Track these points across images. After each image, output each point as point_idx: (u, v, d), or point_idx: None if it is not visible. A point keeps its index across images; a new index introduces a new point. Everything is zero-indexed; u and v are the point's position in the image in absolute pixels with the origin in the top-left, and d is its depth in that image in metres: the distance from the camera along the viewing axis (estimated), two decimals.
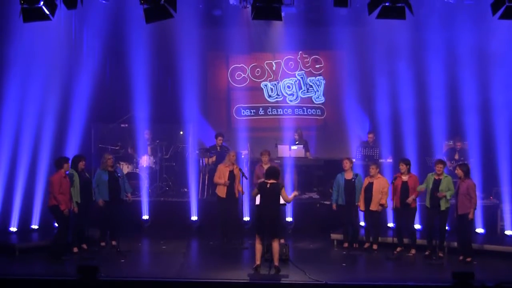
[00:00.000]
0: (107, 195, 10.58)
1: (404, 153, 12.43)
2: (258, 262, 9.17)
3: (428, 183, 10.27)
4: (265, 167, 10.71)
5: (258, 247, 9.20)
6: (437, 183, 10.17)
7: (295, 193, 9.72)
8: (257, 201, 9.44)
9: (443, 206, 10.11)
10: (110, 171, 10.70)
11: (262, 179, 9.54)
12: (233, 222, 11.13)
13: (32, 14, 9.46)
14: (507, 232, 11.33)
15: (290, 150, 12.96)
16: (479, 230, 11.28)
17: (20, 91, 11.77)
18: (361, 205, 10.74)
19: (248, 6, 11.64)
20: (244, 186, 11.22)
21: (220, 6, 13.96)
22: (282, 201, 9.31)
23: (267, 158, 11.41)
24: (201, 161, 13.32)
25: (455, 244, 10.29)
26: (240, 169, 10.88)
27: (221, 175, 11.00)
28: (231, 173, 10.93)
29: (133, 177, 12.89)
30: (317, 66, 14.98)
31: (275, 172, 9.35)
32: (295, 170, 12.94)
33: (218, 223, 11.28)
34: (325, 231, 11.49)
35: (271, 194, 9.18)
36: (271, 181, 9.24)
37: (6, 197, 11.49)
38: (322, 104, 15.00)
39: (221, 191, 11.02)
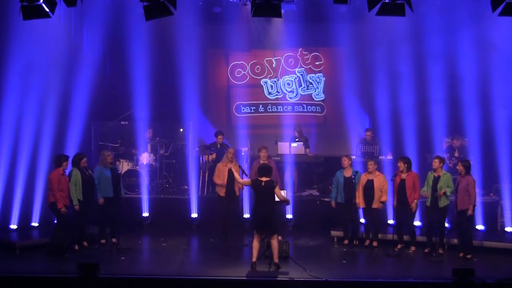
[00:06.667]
0: (111, 191, 10.56)
1: (404, 150, 12.42)
2: (254, 259, 9.15)
3: (429, 182, 10.26)
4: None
5: (256, 244, 9.18)
6: (436, 180, 10.16)
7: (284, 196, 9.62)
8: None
9: (442, 203, 10.09)
10: (111, 168, 10.70)
11: (256, 177, 9.47)
12: (234, 220, 11.12)
13: (32, 12, 9.47)
14: (507, 229, 11.33)
15: (290, 147, 12.95)
16: (479, 227, 11.27)
17: (20, 88, 11.75)
18: (361, 203, 10.72)
19: (247, 3, 11.65)
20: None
21: (219, 3, 13.97)
22: (277, 199, 9.25)
23: (265, 154, 11.32)
24: (201, 159, 13.31)
25: (455, 241, 10.29)
26: (239, 166, 10.83)
27: (220, 174, 10.99)
28: (230, 171, 10.68)
29: (133, 174, 12.89)
30: (317, 63, 14.96)
31: (268, 170, 9.34)
32: (295, 167, 12.94)
33: (219, 221, 11.28)
34: (325, 228, 11.47)
35: (266, 192, 9.16)
36: (265, 179, 9.23)
37: (6, 195, 11.47)
38: (322, 101, 14.99)
39: (221, 190, 11.00)
